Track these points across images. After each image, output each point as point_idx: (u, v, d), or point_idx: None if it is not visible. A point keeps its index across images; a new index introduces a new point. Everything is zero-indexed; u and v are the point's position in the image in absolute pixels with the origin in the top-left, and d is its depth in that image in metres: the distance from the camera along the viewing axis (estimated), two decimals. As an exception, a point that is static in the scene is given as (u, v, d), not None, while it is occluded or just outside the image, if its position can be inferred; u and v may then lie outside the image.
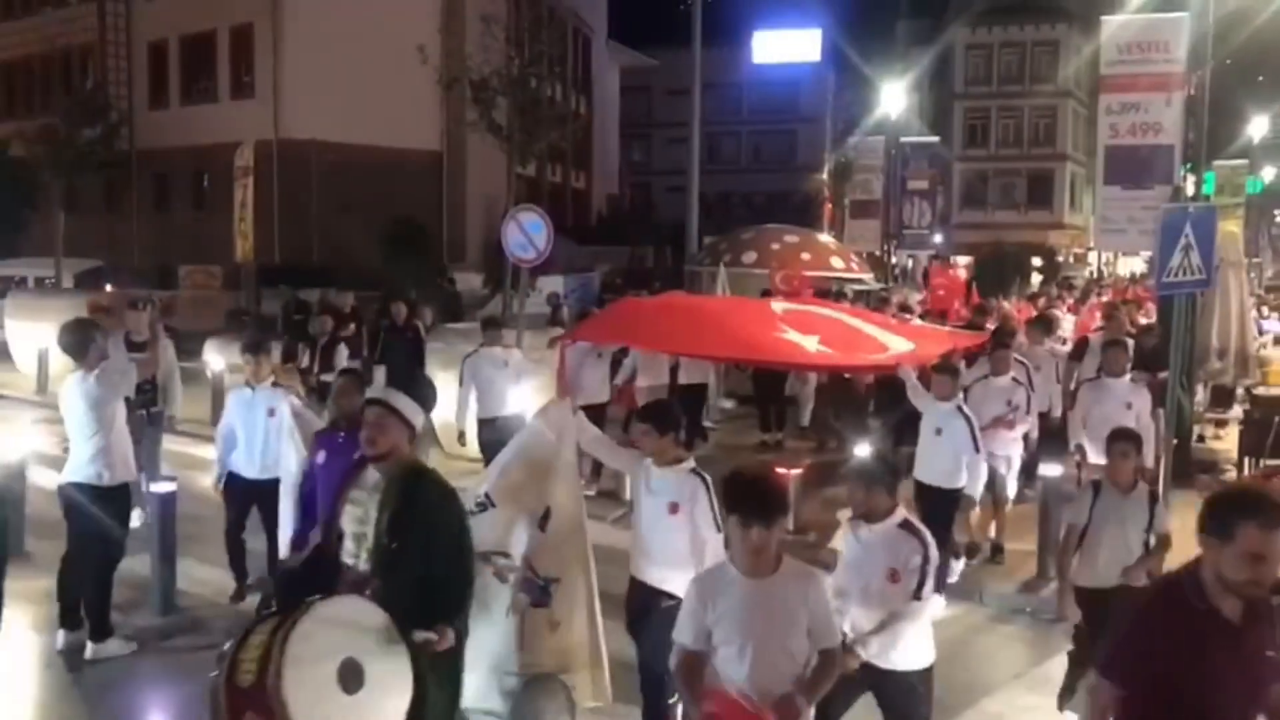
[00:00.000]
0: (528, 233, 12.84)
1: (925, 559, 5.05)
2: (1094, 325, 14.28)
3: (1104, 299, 22.01)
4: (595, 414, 10.51)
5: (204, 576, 8.84)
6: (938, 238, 43.26)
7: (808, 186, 53.79)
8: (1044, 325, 12.49)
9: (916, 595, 5.03)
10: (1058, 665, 7.66)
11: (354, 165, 31.82)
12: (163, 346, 9.37)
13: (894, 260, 40.43)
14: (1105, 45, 13.90)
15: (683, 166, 23.91)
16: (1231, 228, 18.17)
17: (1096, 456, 8.28)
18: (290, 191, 31.81)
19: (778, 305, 8.68)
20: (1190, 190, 19.23)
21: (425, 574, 4.35)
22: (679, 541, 5.60)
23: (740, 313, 8.47)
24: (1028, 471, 10.48)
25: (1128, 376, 9.40)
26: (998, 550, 9.88)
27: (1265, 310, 19.78)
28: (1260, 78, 49.42)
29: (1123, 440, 6.50)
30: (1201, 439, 14.28)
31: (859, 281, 21.95)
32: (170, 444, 11.42)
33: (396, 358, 14.27)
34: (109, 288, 25.21)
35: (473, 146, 28.48)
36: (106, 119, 31.67)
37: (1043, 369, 11.25)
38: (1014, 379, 9.77)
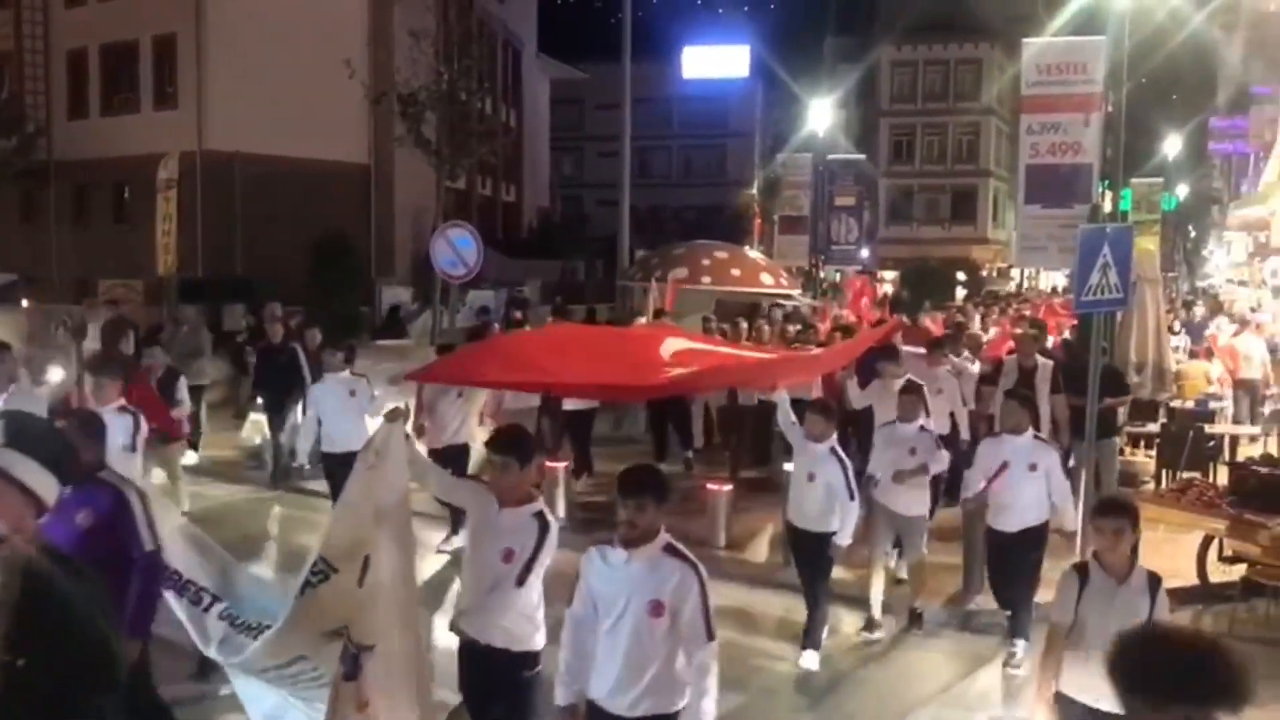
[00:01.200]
0: (457, 249, 12.80)
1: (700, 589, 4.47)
2: (1006, 347, 14.32)
3: (1016, 315, 22.27)
4: (457, 454, 10.20)
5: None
6: (864, 252, 43.90)
7: (738, 201, 54.19)
8: (943, 346, 11.83)
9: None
10: (984, 679, 7.79)
11: (280, 178, 31.36)
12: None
13: (822, 275, 40.90)
14: (1026, 67, 14.22)
15: (614, 180, 23.94)
16: (1148, 245, 18.71)
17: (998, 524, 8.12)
18: (214, 204, 31.26)
19: (668, 345, 8.48)
20: (1108, 207, 19.74)
21: (57, 695, 3.29)
22: (510, 594, 4.99)
23: (612, 354, 8.37)
24: (950, 490, 10.14)
25: (1029, 433, 8.18)
26: (916, 617, 8.85)
27: (1176, 325, 20.29)
28: (1175, 96, 50.89)
29: (1115, 514, 5.02)
30: (1121, 452, 14.60)
31: (788, 297, 22.12)
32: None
33: (273, 380, 13.23)
34: (25, 302, 24.56)
35: (401, 159, 28.28)
36: (23, 129, 30.89)
37: (945, 390, 10.87)
38: (922, 427, 8.72)
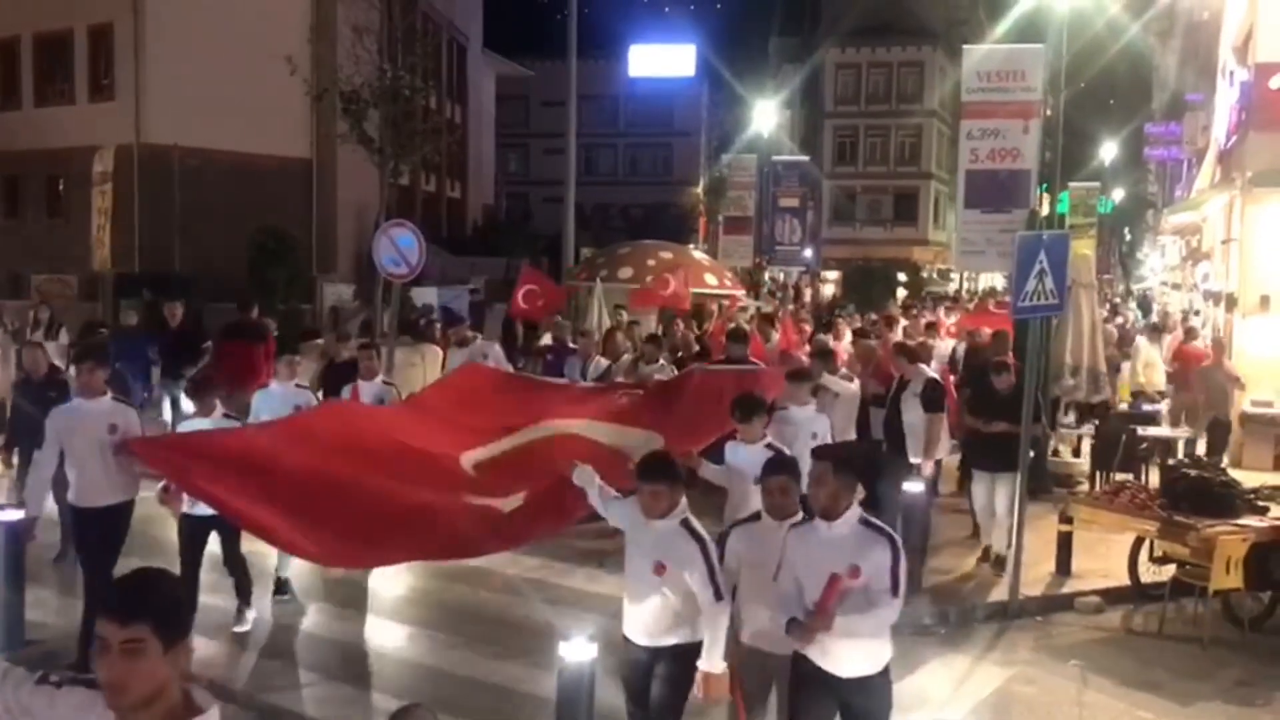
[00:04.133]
0: (399, 248, 12.69)
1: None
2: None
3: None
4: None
5: (61, 607, 8.47)
6: (808, 253, 44.18)
7: (683, 200, 54.33)
8: (803, 378, 8.98)
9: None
10: (921, 680, 7.88)
11: (219, 172, 30.89)
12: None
13: (766, 275, 41.14)
14: (966, 74, 14.41)
15: (560, 177, 23.89)
16: (1084, 250, 19.01)
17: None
18: (151, 198, 30.71)
19: (469, 457, 6.95)
20: (1045, 210, 20.03)
21: None
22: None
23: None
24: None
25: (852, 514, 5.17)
26: None
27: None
28: (1112, 102, 51.88)
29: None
30: (1056, 453, 14.85)
31: (731, 297, 22.24)
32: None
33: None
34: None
35: (344, 155, 27.91)
36: (-48, 119, 30.10)
37: (819, 434, 8.27)
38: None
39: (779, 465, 5.67)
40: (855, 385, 10.99)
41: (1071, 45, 16.69)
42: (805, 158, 48.10)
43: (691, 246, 32.74)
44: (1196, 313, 24.90)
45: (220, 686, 6.96)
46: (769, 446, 6.94)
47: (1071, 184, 34.92)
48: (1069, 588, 9.95)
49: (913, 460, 10.07)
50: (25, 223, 35.08)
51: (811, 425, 8.39)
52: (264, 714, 7.04)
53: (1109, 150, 47.57)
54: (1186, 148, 31.37)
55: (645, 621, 5.38)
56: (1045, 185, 17.60)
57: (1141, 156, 47.15)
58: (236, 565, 8.36)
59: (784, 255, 40.96)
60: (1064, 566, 10.24)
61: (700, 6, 73.20)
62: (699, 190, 52.11)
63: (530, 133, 58.41)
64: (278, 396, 9.35)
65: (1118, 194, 51.65)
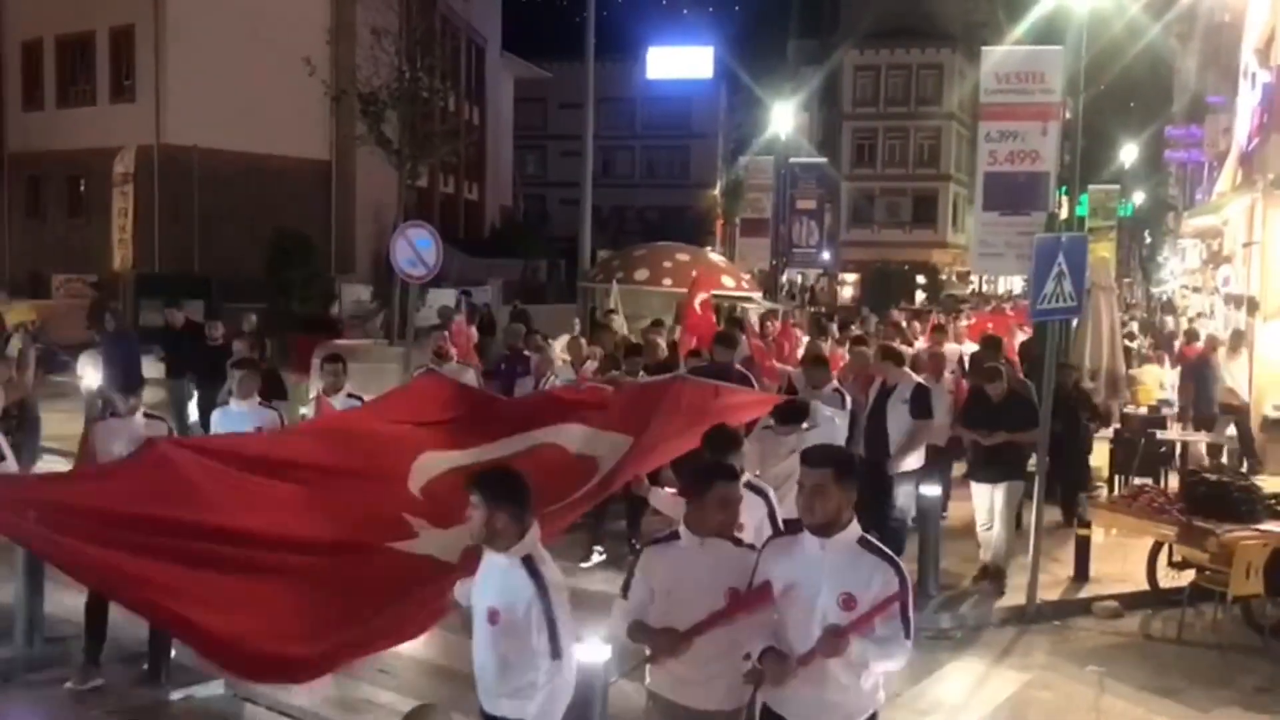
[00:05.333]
0: (417, 249, 12.71)
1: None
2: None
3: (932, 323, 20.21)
4: None
5: (80, 605, 8.50)
6: (825, 255, 44.13)
7: (700, 203, 54.31)
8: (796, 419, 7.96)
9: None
10: (938, 685, 7.85)
11: (239, 173, 31.05)
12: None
13: (783, 278, 41.08)
14: (985, 75, 14.35)
15: (577, 179, 23.90)
16: (1103, 252, 18.94)
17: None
18: (172, 199, 30.89)
19: (425, 463, 6.29)
20: (1064, 213, 19.94)
21: None
22: None
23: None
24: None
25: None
26: None
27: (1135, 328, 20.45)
28: (1132, 105, 51.60)
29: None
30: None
31: (749, 299, 22.20)
32: (48, 465, 10.95)
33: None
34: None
35: (362, 156, 28.03)
36: (-25, 120, 30.32)
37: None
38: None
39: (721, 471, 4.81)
40: (848, 409, 9.32)
41: (1091, 47, 16.58)
42: (823, 160, 48.09)
43: (708, 249, 32.72)
44: (1198, 315, 24.73)
45: (236, 687, 6.98)
46: (748, 485, 5.58)
47: (1091, 186, 34.76)
48: (1087, 592, 9.88)
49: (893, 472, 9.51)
50: (46, 223, 35.33)
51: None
52: (280, 715, 7.05)
53: (1129, 153, 47.28)
54: (1207, 150, 31.14)
55: (481, 680, 4.47)
56: (1064, 188, 17.53)
57: (1161, 159, 46.92)
58: None
59: (801, 257, 40.97)
60: (1082, 571, 10.17)
61: (718, 8, 73.22)
62: (716, 192, 52.15)
63: (548, 134, 58.47)
64: (237, 416, 8.23)
65: (1137, 197, 51.32)
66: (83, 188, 33.86)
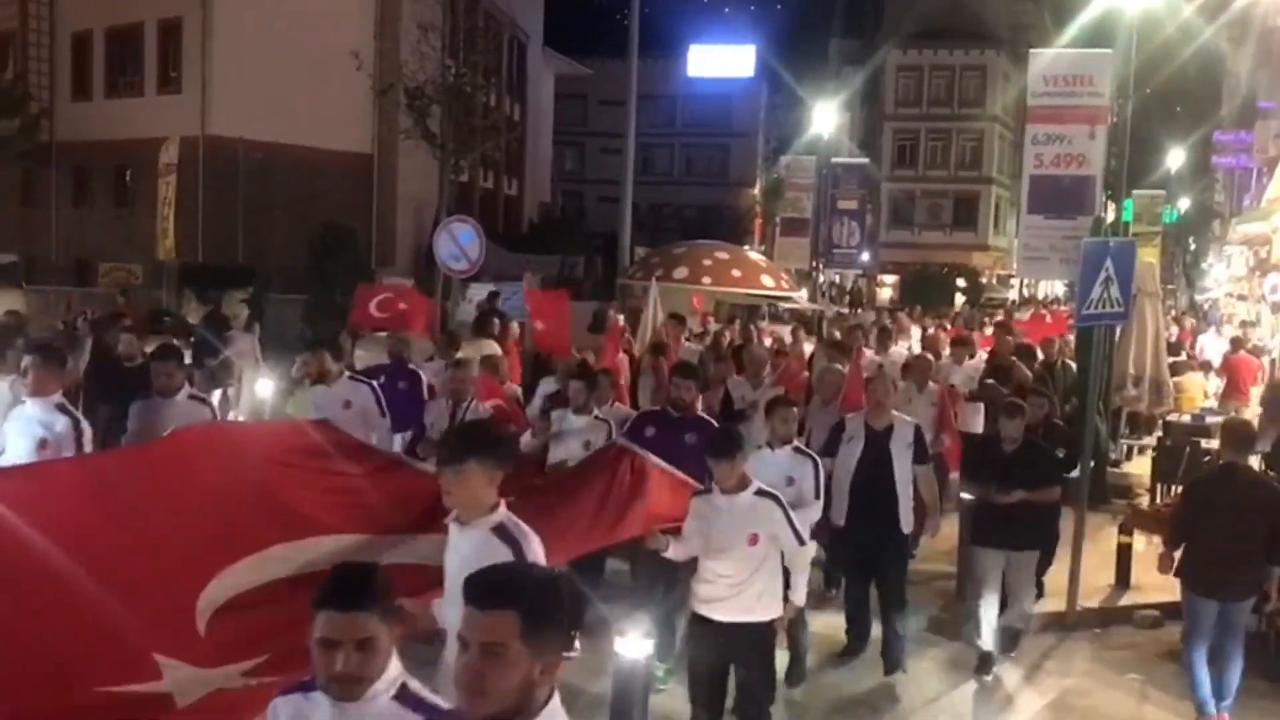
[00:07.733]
0: (460, 244, 12.80)
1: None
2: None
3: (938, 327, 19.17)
4: None
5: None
6: (865, 256, 43.93)
7: (739, 201, 54.18)
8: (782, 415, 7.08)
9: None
10: (978, 688, 7.80)
11: (282, 165, 31.34)
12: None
13: (822, 278, 40.93)
14: (1033, 77, 14.16)
15: (615, 176, 23.95)
16: (1148, 258, 18.70)
17: None
18: (215, 190, 31.24)
19: (216, 588, 4.04)
20: (1109, 218, 19.73)
21: None
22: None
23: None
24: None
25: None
26: None
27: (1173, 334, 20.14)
28: (1179, 109, 50.94)
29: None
30: (1116, 464, 14.62)
31: (788, 299, 22.13)
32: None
33: None
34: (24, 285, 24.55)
35: (404, 150, 28.24)
36: (26, 110, 30.79)
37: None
38: None
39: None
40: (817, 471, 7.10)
41: (1141, 50, 16.40)
42: (865, 160, 47.82)
43: (747, 248, 32.63)
44: (1243, 325, 24.41)
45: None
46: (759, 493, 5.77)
47: (1136, 191, 34.36)
48: (1128, 600, 9.78)
49: (905, 530, 7.87)
50: (93, 212, 35.84)
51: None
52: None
53: (1175, 158, 46.66)
54: (1257, 156, 30.74)
55: None
56: (1109, 192, 17.33)
57: (1209, 164, 46.32)
58: None
59: (841, 258, 40.76)
60: (1123, 579, 10.06)
61: (760, 7, 73.07)
62: (755, 192, 52.01)
63: (587, 131, 58.59)
64: (23, 419, 6.56)
65: (1183, 203, 50.66)
66: (129, 178, 34.32)
